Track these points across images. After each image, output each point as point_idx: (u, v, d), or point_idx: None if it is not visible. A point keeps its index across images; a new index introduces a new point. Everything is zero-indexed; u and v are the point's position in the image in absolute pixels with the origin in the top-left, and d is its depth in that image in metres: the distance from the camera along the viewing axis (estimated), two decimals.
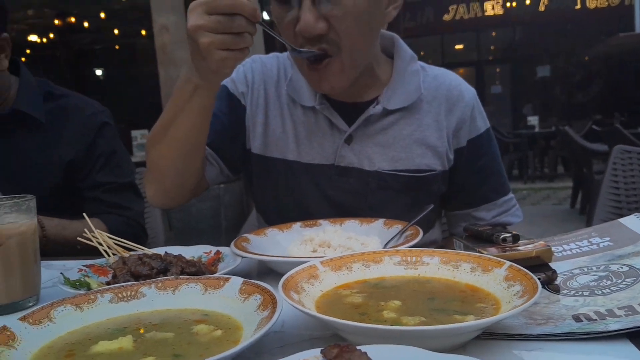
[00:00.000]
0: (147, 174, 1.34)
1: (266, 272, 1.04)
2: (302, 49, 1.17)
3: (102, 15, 12.93)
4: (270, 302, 0.68)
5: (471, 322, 0.61)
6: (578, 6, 13.23)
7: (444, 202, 1.49)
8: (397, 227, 1.16)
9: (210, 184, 1.42)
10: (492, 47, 15.29)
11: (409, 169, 1.34)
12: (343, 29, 1.16)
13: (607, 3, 13.05)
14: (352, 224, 1.23)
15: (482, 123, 1.42)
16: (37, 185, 1.53)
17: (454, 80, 1.43)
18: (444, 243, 1.54)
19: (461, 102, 1.39)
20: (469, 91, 1.43)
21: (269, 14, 1.25)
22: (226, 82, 1.44)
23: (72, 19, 13.59)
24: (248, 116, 1.42)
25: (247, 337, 0.62)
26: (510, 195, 1.46)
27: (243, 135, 1.43)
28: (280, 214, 1.39)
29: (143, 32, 13.42)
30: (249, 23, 0.99)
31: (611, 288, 0.77)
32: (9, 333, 0.66)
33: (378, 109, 1.33)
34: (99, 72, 16.59)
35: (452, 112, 1.38)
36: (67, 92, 1.71)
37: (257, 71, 1.45)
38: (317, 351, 0.52)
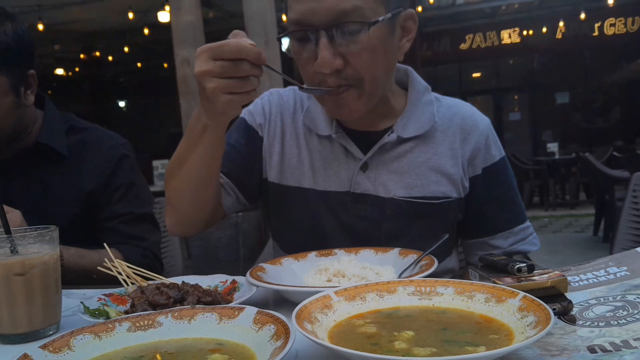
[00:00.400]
0: (166, 206, 1.39)
1: (282, 301, 1.05)
2: (311, 87, 1.23)
3: (126, 49, 13.33)
4: (283, 332, 0.69)
5: (483, 354, 0.61)
6: (595, 33, 13.23)
7: (460, 231, 1.49)
8: (412, 256, 1.16)
9: (228, 213, 1.45)
10: (510, 75, 15.30)
11: (425, 196, 1.35)
12: (360, 64, 1.21)
13: (625, 29, 13.03)
14: (367, 253, 1.23)
15: (497, 152, 1.43)
16: (57, 217, 1.57)
17: (468, 110, 1.45)
18: (462, 273, 1.54)
19: (476, 131, 1.41)
20: (483, 120, 1.45)
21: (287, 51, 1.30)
22: (244, 114, 1.49)
23: (97, 53, 14.04)
24: (265, 146, 1.46)
25: None
26: (527, 223, 1.46)
27: (260, 165, 1.47)
28: (296, 242, 1.41)
29: (165, 65, 13.78)
30: (253, 67, 1.02)
31: (627, 319, 0.76)
32: None
33: (393, 137, 1.35)
34: (122, 103, 17.01)
35: (467, 140, 1.40)
36: (89, 125, 1.77)
37: (274, 103, 1.50)
38: None
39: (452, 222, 1.41)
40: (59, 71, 14.71)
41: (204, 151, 1.22)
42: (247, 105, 1.40)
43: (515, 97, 15.15)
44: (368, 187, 1.36)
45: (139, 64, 15.01)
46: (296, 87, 1.54)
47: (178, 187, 1.30)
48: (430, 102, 1.41)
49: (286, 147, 1.44)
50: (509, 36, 13.72)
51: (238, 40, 1.01)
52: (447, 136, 1.40)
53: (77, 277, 1.45)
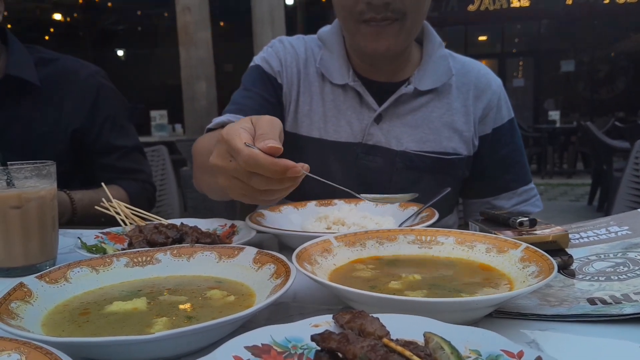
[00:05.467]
0: (194, 178, 1.29)
1: (280, 248, 1.05)
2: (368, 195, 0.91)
3: None
4: (283, 271, 0.68)
5: (484, 297, 0.61)
6: (607, 0, 12.92)
7: (464, 189, 1.48)
8: (413, 208, 1.15)
9: None
10: (516, 40, 15.05)
11: (436, 151, 1.35)
12: None
13: None
14: (367, 204, 1.22)
15: (507, 113, 1.44)
16: (42, 153, 1.55)
17: (482, 69, 1.45)
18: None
19: (489, 90, 1.41)
20: (496, 80, 1.45)
21: None
22: (260, 62, 1.44)
23: None
24: (285, 94, 1.42)
25: (260, 303, 0.63)
26: (531, 185, 1.46)
27: (283, 113, 1.43)
28: (301, 193, 1.39)
29: (165, 14, 13.47)
30: (273, 182, 0.77)
31: (628, 274, 0.76)
32: (25, 290, 0.67)
33: (410, 89, 1.34)
34: (120, 52, 16.70)
35: (480, 99, 1.40)
36: (59, 56, 1.71)
37: (287, 50, 1.45)
38: (329, 317, 0.53)
39: (459, 179, 1.41)
40: (57, 16, 14.35)
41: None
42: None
43: (520, 62, 14.94)
44: (380, 138, 1.35)
45: (138, 12, 14.66)
46: (304, 36, 1.50)
47: (205, 182, 1.21)
48: (444, 56, 1.40)
49: (300, 95, 1.41)
50: None
51: (251, 152, 0.74)
52: (462, 93, 1.39)
53: (89, 220, 1.44)
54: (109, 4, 14.13)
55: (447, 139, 1.36)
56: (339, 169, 1.37)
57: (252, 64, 1.46)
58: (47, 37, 14.60)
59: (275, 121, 0.81)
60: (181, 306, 0.66)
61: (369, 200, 0.88)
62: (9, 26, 1.64)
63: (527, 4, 13.42)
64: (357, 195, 0.85)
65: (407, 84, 1.35)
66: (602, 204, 6.50)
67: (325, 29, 1.45)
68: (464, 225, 1.66)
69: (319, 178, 0.81)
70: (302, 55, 1.44)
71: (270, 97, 1.39)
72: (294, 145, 1.41)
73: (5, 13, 1.59)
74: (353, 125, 1.36)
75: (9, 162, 0.96)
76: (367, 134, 1.35)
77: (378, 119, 1.35)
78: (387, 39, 1.24)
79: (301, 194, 1.36)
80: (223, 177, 0.83)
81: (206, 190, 1.25)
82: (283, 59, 1.43)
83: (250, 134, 0.77)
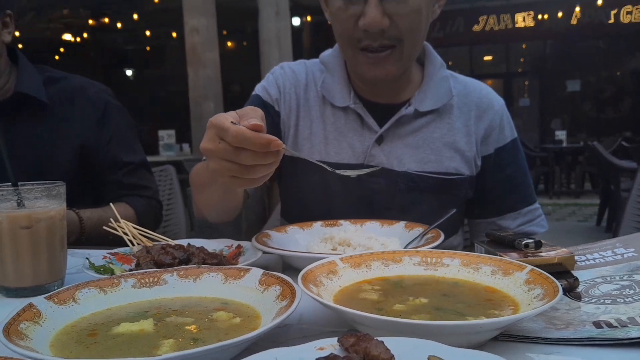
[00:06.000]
0: (194, 202, 1.34)
1: (286, 268, 1.05)
2: (342, 171, 1.02)
3: (135, 16, 13.21)
4: (289, 293, 0.69)
5: (489, 320, 0.61)
6: (611, 20, 12.98)
7: (468, 210, 1.48)
8: (418, 229, 1.16)
9: (252, 198, 1.44)
10: (521, 60, 15.11)
11: (438, 172, 1.36)
12: (405, 25, 1.22)
13: None
14: (372, 225, 1.23)
15: (510, 133, 1.44)
16: (50, 170, 1.57)
17: (484, 89, 1.46)
18: (468, 250, 1.54)
19: (491, 110, 1.41)
20: (499, 101, 1.46)
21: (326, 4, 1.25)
22: (259, 91, 1.48)
23: (106, 20, 13.91)
24: (283, 120, 1.45)
25: (266, 326, 0.63)
26: (536, 205, 1.46)
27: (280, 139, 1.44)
28: (305, 216, 1.40)
29: (174, 34, 13.66)
30: (256, 157, 0.84)
31: (634, 297, 0.75)
32: (35, 310, 0.68)
33: (410, 110, 1.35)
34: (129, 72, 16.91)
35: (482, 119, 1.40)
36: (66, 74, 1.74)
37: (287, 77, 1.48)
38: (334, 340, 0.53)
39: (462, 199, 1.41)
40: (67, 37, 14.59)
41: (220, 191, 1.15)
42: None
43: (526, 82, 14.99)
44: (382, 160, 1.36)
45: (147, 32, 14.88)
46: (306, 61, 1.52)
47: (203, 205, 1.27)
48: (446, 77, 1.41)
49: (300, 120, 1.43)
50: (523, 19, 13.49)
51: (239, 127, 0.82)
52: (463, 113, 1.40)
53: (97, 240, 1.45)
54: (119, 25, 14.36)
55: (449, 159, 1.37)
56: (341, 190, 1.38)
57: (253, 92, 1.50)
58: (57, 57, 14.83)
59: (257, 108, 0.90)
60: (187, 327, 0.67)
61: (345, 174, 1.01)
62: (20, 46, 1.67)
63: (532, 24, 13.50)
64: (334, 170, 0.99)
65: (407, 105, 1.36)
66: (611, 224, 6.45)
67: (327, 53, 1.48)
68: (469, 246, 1.66)
69: (297, 154, 1.02)
70: (302, 80, 1.47)
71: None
72: (293, 168, 1.43)
73: (17, 34, 1.62)
74: (355, 147, 1.37)
75: (19, 182, 0.98)
76: (369, 156, 1.36)
77: (379, 140, 1.36)
78: (386, 66, 1.27)
79: (304, 216, 1.37)
80: (213, 161, 0.89)
81: (205, 212, 1.29)
82: (282, 85, 1.46)
83: (235, 118, 0.85)
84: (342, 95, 1.39)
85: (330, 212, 1.36)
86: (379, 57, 1.25)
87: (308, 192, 1.42)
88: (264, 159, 0.85)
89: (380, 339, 0.50)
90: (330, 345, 0.52)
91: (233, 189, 1.07)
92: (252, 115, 0.85)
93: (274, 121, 1.44)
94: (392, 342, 0.50)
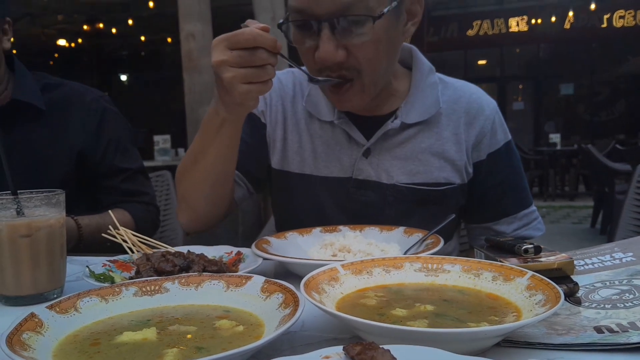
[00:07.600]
0: (179, 204, 1.37)
1: (286, 275, 1.05)
2: (319, 78, 1.19)
3: (130, 22, 13.19)
4: (292, 301, 0.69)
5: (492, 327, 0.61)
6: (604, 24, 13.08)
7: (464, 215, 1.48)
8: (418, 235, 1.16)
9: (238, 204, 1.44)
10: (515, 64, 15.19)
11: (427, 182, 1.34)
12: (362, 56, 1.17)
13: (634, 22, 12.88)
14: (372, 231, 1.23)
15: (503, 136, 1.41)
16: (47, 176, 1.56)
17: (474, 93, 1.42)
18: (464, 255, 1.53)
19: (481, 116, 1.38)
20: (490, 104, 1.42)
21: (287, 37, 1.25)
22: None
23: (101, 25, 13.88)
24: (269, 133, 1.44)
25: (269, 334, 0.63)
26: (532, 208, 1.44)
27: (266, 153, 1.45)
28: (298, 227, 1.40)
29: (169, 40, 13.64)
30: (269, 55, 1.01)
31: (634, 302, 0.76)
32: (37, 320, 0.67)
33: (396, 124, 1.33)
34: (124, 77, 16.88)
35: (472, 125, 1.38)
36: (63, 81, 1.74)
37: (273, 89, 1.45)
38: (339, 348, 0.53)
39: (454, 208, 1.39)
40: (62, 42, 14.55)
41: (221, 146, 1.20)
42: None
43: (520, 86, 15.06)
44: (370, 173, 1.34)
45: (142, 38, 14.86)
46: (295, 70, 1.51)
47: (195, 184, 1.29)
48: (434, 84, 1.38)
49: (288, 133, 1.42)
50: (516, 24, 13.57)
51: (252, 28, 1.00)
52: (452, 121, 1.37)
53: (95, 246, 1.45)
54: (113, 30, 14.33)
55: (438, 169, 1.34)
56: (332, 204, 1.37)
57: None
58: (51, 63, 14.78)
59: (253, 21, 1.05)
60: (190, 336, 0.67)
61: (318, 84, 1.20)
62: (14, 52, 1.67)
63: (525, 29, 13.59)
64: (312, 76, 1.17)
65: (394, 117, 1.34)
66: (605, 226, 6.48)
67: None
68: (467, 251, 1.66)
69: (289, 60, 1.16)
70: (289, 92, 1.45)
71: (247, 138, 1.39)
72: (283, 182, 1.43)
73: (12, 39, 1.63)
74: (343, 161, 1.36)
75: (15, 189, 0.98)
76: (357, 169, 1.34)
77: (367, 154, 1.34)
78: (350, 100, 1.24)
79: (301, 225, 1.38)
80: (227, 71, 1.01)
81: (195, 200, 1.32)
82: (268, 97, 1.45)
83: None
84: (327, 110, 1.37)
85: (321, 222, 1.35)
86: (341, 91, 1.22)
87: (297, 206, 1.42)
88: (274, 58, 1.01)
89: (385, 347, 0.51)
90: (336, 353, 0.52)
91: (246, 102, 1.09)
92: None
93: (260, 132, 1.44)
94: (398, 350, 0.51)
